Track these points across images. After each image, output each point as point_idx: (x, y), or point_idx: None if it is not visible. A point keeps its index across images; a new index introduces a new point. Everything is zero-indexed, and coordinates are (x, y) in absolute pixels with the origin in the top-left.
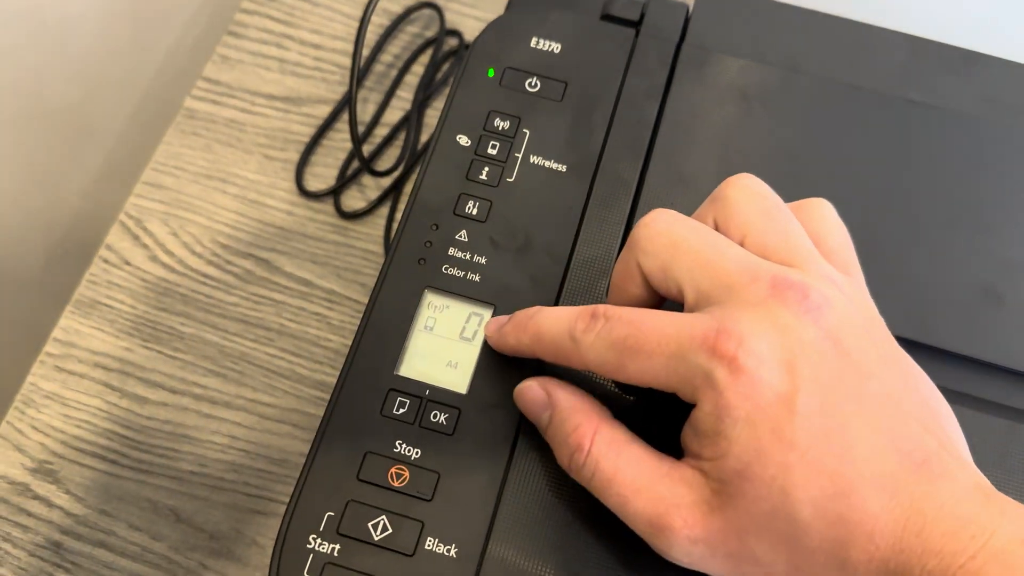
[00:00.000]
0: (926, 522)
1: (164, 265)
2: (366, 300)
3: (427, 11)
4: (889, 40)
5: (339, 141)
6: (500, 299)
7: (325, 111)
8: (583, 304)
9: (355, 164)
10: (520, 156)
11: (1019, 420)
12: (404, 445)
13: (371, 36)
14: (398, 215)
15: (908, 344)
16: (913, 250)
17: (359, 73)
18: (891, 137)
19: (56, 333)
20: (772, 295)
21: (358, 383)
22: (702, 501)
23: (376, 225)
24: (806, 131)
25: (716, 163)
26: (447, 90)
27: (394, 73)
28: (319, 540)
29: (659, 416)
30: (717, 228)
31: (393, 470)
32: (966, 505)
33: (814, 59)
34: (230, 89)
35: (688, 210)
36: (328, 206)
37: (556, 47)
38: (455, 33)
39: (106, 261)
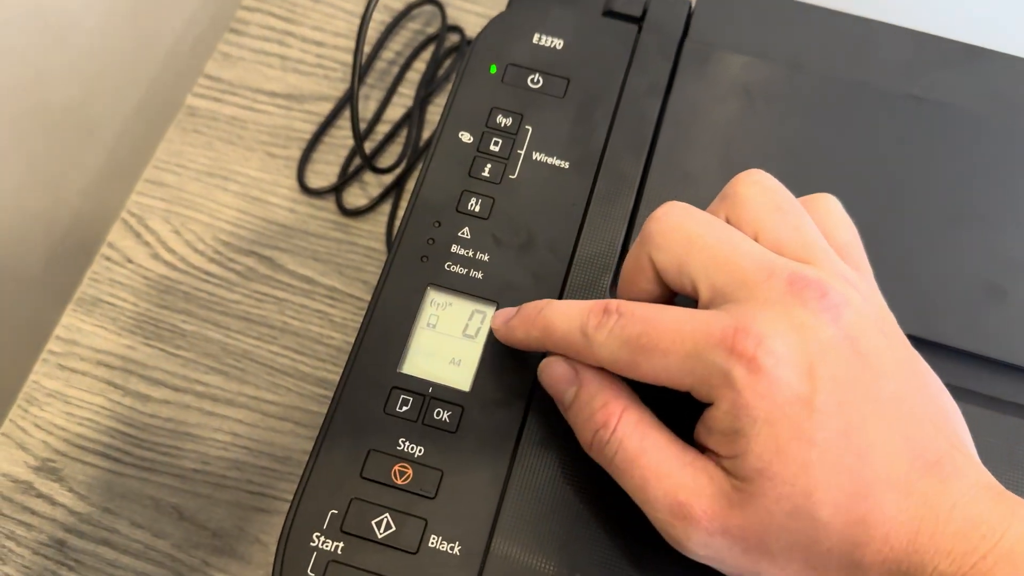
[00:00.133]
0: (938, 523)
1: (166, 263)
2: (368, 297)
3: (429, 7)
4: (892, 36)
5: (341, 138)
6: (503, 296)
7: (327, 108)
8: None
9: (357, 161)
10: (522, 153)
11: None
12: (407, 443)
13: (373, 33)
14: (400, 212)
15: (914, 340)
16: (917, 246)
17: (361, 70)
18: (894, 133)
19: (58, 331)
20: (789, 293)
21: (361, 381)
22: (723, 495)
23: (378, 222)
24: (809, 127)
25: (719, 160)
26: (449, 87)
27: (396, 70)
28: (323, 538)
29: (670, 413)
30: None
31: (396, 468)
32: (977, 505)
33: (817, 55)
34: (232, 86)
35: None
36: (330, 203)
37: (558, 43)
38: (457, 29)
39: (108, 259)
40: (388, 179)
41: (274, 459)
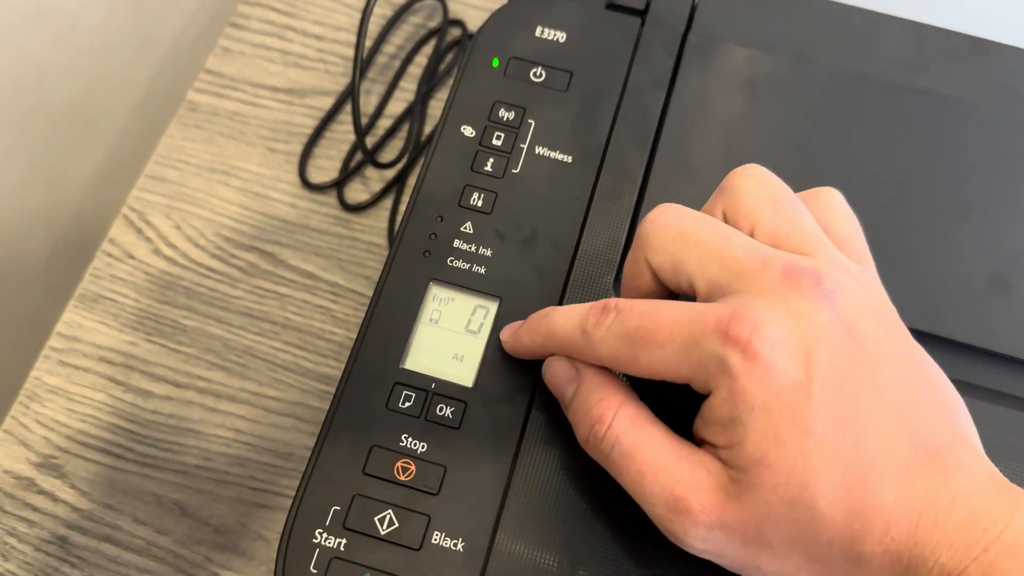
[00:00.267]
0: (939, 514)
1: (167, 259)
2: (370, 293)
3: (430, 1)
4: (896, 28)
5: (342, 133)
6: (506, 292)
7: (328, 103)
8: (590, 297)
9: (358, 156)
10: (525, 147)
11: None
12: (410, 439)
13: (374, 27)
14: (402, 207)
15: (918, 335)
16: (922, 240)
17: (362, 64)
18: (899, 126)
19: (60, 327)
20: (784, 282)
21: (363, 376)
22: (720, 487)
23: (380, 217)
24: (813, 120)
25: (723, 153)
26: (450, 81)
27: (397, 64)
28: (325, 534)
29: (669, 412)
30: (726, 220)
31: (399, 464)
32: (979, 497)
33: (821, 48)
34: (233, 81)
35: (696, 200)
36: (332, 199)
37: (561, 36)
38: (458, 23)
39: (109, 255)
40: (390, 174)
41: (276, 455)
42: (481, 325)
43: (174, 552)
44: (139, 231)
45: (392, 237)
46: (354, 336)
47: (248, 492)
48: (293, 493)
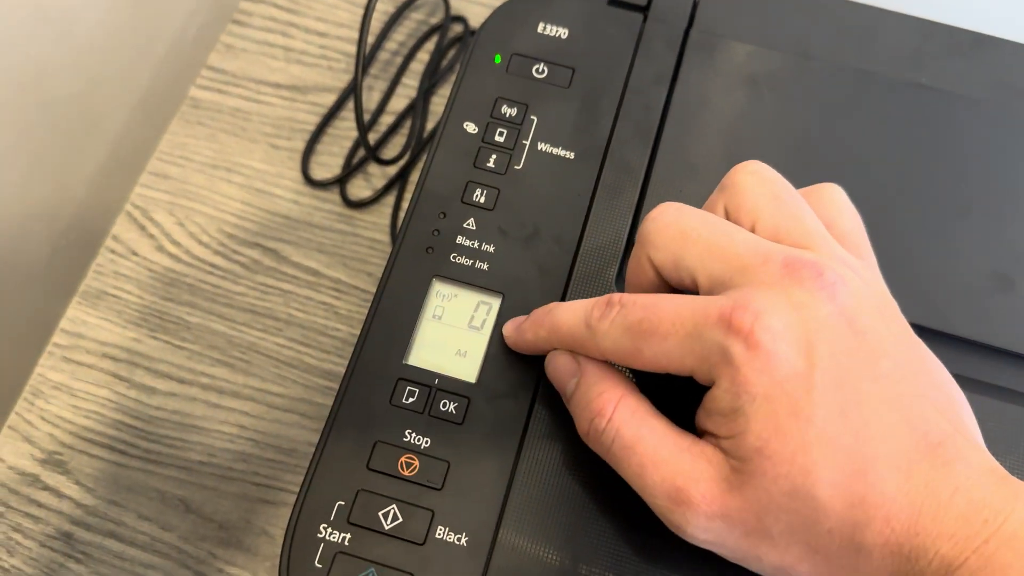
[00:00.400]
0: (940, 505)
1: (170, 255)
2: (373, 289)
3: None
4: (899, 24)
5: (345, 130)
6: (509, 288)
7: (330, 99)
8: (592, 293)
9: (361, 153)
10: (528, 143)
11: None
12: (414, 434)
13: (376, 23)
14: (405, 204)
15: (920, 331)
16: (924, 236)
17: (364, 61)
18: (901, 122)
19: (63, 324)
20: (786, 274)
21: (367, 372)
22: (721, 478)
23: (383, 214)
24: (816, 117)
25: (725, 149)
26: (453, 77)
27: (399, 60)
28: (330, 529)
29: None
30: (728, 216)
31: (403, 459)
32: (980, 489)
33: (823, 44)
34: (235, 78)
35: (698, 197)
36: (334, 195)
37: (563, 32)
38: (460, 19)
39: (112, 252)
40: (392, 170)
41: (280, 451)
42: (484, 321)
43: (178, 548)
44: (142, 228)
45: (395, 234)
46: (357, 332)
47: (252, 488)
48: (297, 489)
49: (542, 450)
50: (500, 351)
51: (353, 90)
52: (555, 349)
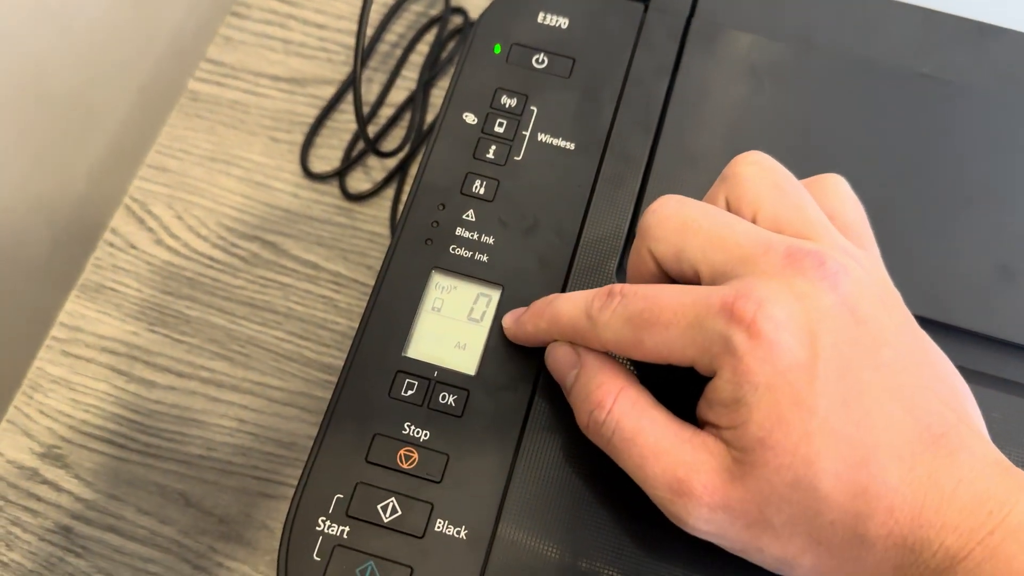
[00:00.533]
0: (943, 497)
1: (169, 248)
2: (373, 282)
3: None
4: (902, 13)
5: (344, 122)
6: (508, 280)
7: (330, 92)
8: (592, 284)
9: (360, 145)
10: (528, 134)
11: None
12: (413, 427)
13: (375, 15)
14: (404, 196)
15: (924, 322)
16: (927, 227)
17: (363, 53)
18: (904, 112)
19: (62, 317)
20: (788, 264)
21: (366, 365)
22: (723, 469)
23: (382, 207)
24: (818, 107)
25: (727, 140)
26: (452, 69)
27: (399, 52)
28: (328, 523)
29: (672, 401)
30: (729, 207)
31: (402, 452)
32: (984, 480)
33: (826, 33)
34: (234, 70)
35: (699, 188)
36: (334, 188)
37: (563, 22)
38: (460, 11)
39: (111, 245)
40: (392, 163)
41: (279, 445)
42: (483, 313)
43: (178, 542)
44: (141, 221)
45: (394, 226)
46: (356, 325)
47: (251, 482)
48: (296, 482)
49: (542, 443)
50: (500, 343)
51: (352, 82)
52: (555, 341)
